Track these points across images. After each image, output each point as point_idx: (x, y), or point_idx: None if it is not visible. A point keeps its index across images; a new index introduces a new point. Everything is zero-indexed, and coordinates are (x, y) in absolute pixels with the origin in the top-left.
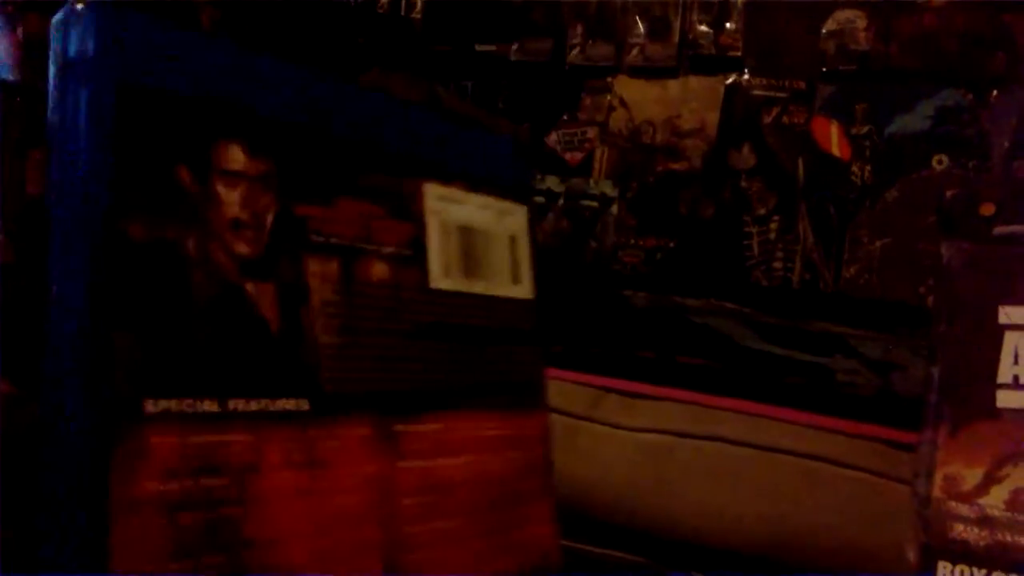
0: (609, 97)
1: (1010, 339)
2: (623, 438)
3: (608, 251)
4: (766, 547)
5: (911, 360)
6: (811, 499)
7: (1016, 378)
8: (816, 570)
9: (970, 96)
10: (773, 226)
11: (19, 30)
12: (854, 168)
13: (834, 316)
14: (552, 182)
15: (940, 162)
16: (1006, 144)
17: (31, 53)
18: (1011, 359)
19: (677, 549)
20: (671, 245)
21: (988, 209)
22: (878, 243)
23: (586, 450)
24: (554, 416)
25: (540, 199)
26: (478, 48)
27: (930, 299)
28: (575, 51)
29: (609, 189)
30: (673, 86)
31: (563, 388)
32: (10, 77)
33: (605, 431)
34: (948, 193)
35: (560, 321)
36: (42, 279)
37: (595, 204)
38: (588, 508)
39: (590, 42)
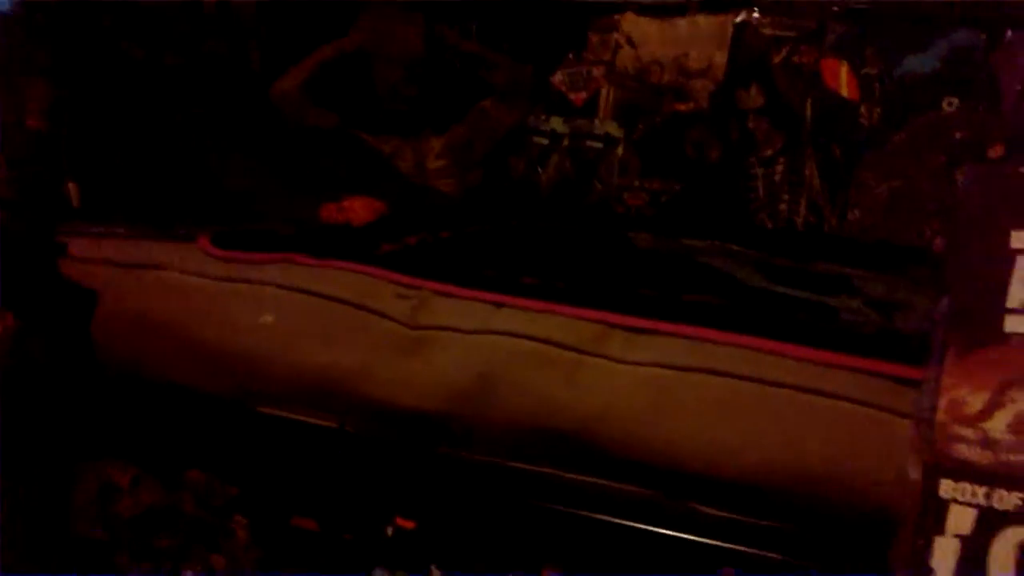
0: (616, 35)
1: (1021, 263)
2: (626, 372)
3: (613, 193)
4: (768, 479)
5: (914, 299)
6: (813, 432)
7: None
8: (818, 501)
9: (983, 36)
10: (779, 168)
11: None
12: (862, 110)
13: (838, 257)
14: (556, 123)
15: (950, 104)
16: (1017, 87)
17: None
18: (1022, 284)
19: (679, 481)
20: (676, 188)
21: (997, 151)
22: (884, 186)
23: (590, 384)
24: (558, 350)
25: (544, 140)
26: None
27: (935, 241)
28: None
29: (614, 130)
30: (681, 24)
31: (567, 323)
32: (6, 8)
33: (609, 365)
34: (957, 135)
35: (564, 258)
36: (41, 214)
37: (599, 145)
38: (591, 441)
39: None
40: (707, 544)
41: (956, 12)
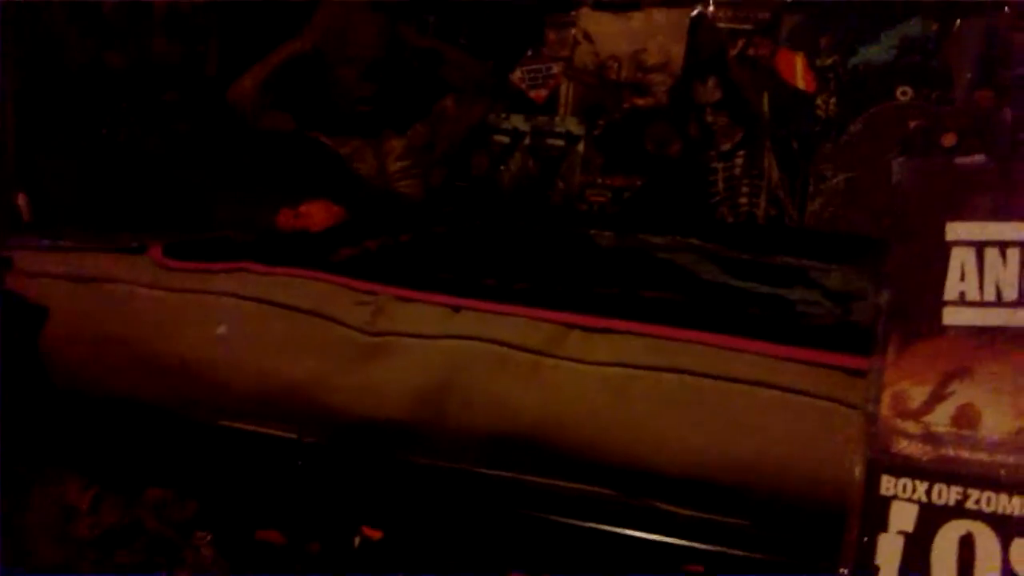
0: (573, 31)
1: (957, 255)
2: (585, 372)
3: (575, 191)
4: (727, 476)
5: (871, 290)
6: (770, 427)
7: (962, 294)
8: (777, 497)
9: (935, 26)
10: (739, 161)
11: None
12: (819, 101)
13: (797, 250)
14: (517, 120)
15: (904, 93)
16: (968, 75)
17: None
18: (958, 275)
19: (641, 480)
20: (638, 184)
21: (950, 140)
22: (842, 176)
23: (549, 385)
24: (517, 352)
25: (505, 138)
26: None
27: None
28: None
29: (575, 127)
30: (638, 18)
31: (525, 324)
32: None
33: (567, 366)
34: (911, 124)
35: (526, 258)
36: None
37: (561, 143)
38: (551, 442)
39: None
40: (671, 543)
41: (908, 2)
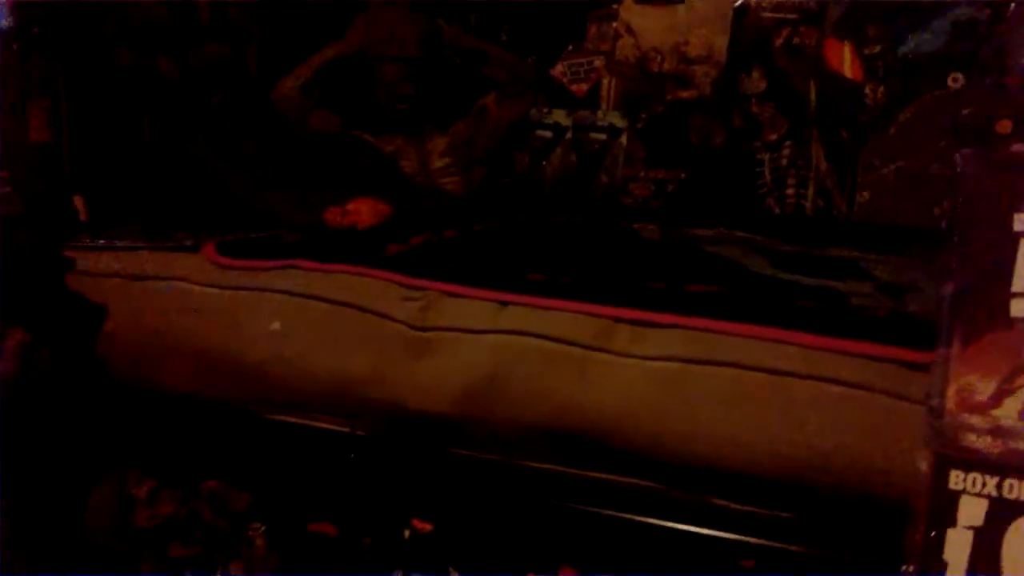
0: (615, 24)
1: None
2: (634, 366)
3: (618, 184)
4: (778, 470)
5: (925, 282)
6: (823, 421)
7: None
8: (830, 491)
9: (987, 10)
10: (785, 152)
11: None
12: (867, 90)
13: (847, 241)
14: (559, 115)
15: (956, 80)
16: (1023, 60)
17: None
18: None
19: (691, 474)
20: (682, 176)
21: (1005, 127)
22: (892, 166)
23: (597, 380)
24: (565, 347)
25: (547, 133)
26: None
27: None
28: None
29: (617, 120)
30: (680, 11)
31: (573, 319)
32: (4, 23)
33: (616, 360)
34: (964, 112)
35: (570, 253)
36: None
37: (603, 136)
38: (601, 437)
39: None
40: (723, 538)
41: None
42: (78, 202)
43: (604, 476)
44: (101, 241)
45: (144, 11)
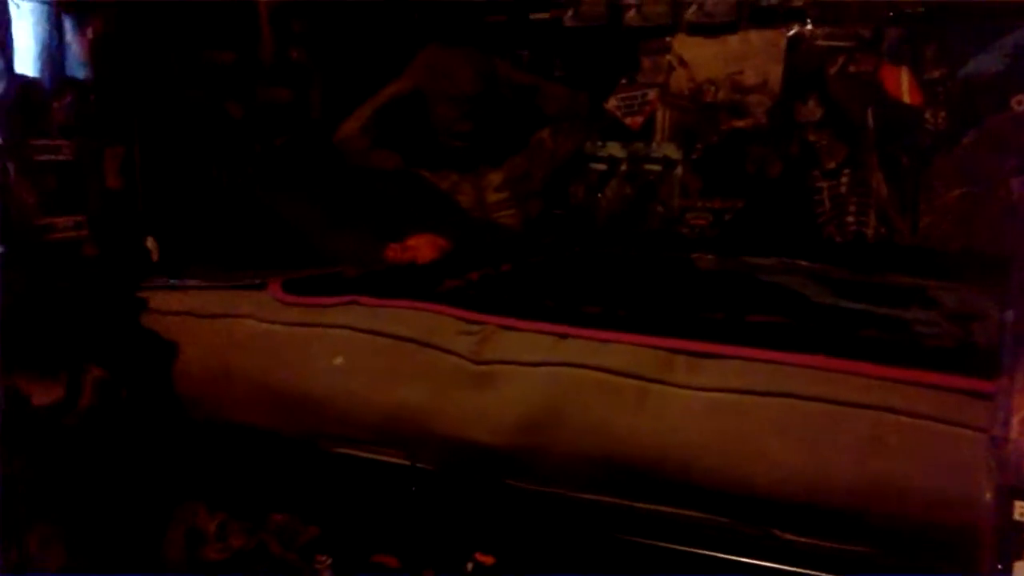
0: (668, 57)
1: None
2: (692, 398)
3: (674, 214)
4: (843, 502)
5: (992, 310)
6: (886, 452)
7: None
8: (897, 523)
9: None
10: (844, 179)
11: (89, 30)
12: (927, 115)
13: (911, 268)
14: (614, 148)
15: (1019, 103)
16: None
17: (102, 51)
18: None
19: (753, 507)
20: (739, 206)
21: None
22: (956, 192)
23: (657, 412)
24: (623, 379)
25: (602, 166)
26: (532, 16)
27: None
28: (631, 12)
29: (672, 152)
30: (733, 41)
31: (630, 351)
32: (83, 75)
33: (674, 392)
34: None
35: (627, 285)
36: (123, 271)
37: (658, 168)
38: (662, 469)
39: (647, 1)
40: (787, 571)
41: (1018, 8)
42: (151, 244)
43: (664, 508)
44: (173, 281)
45: (212, 57)
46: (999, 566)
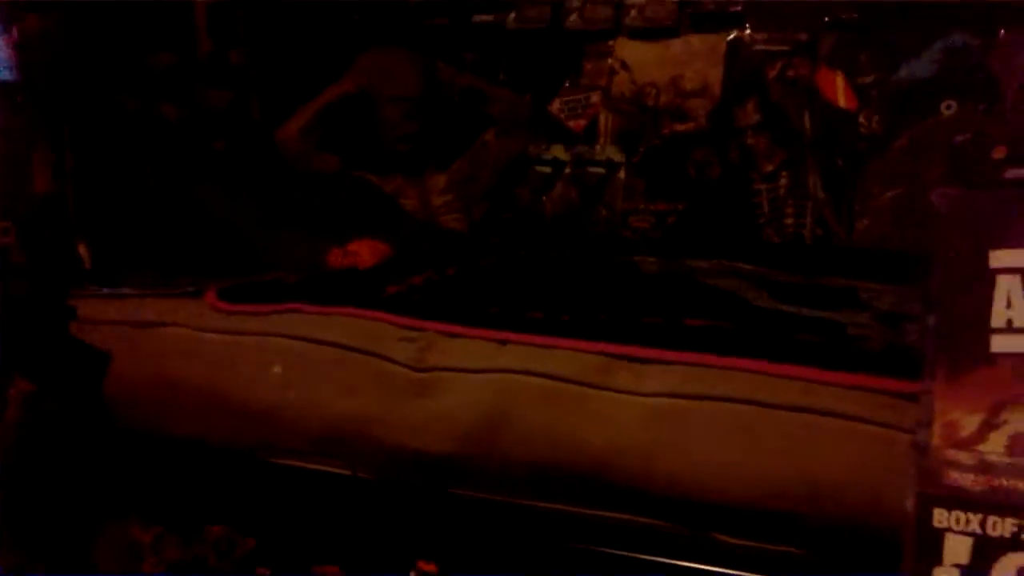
0: (610, 60)
1: (1002, 283)
2: (633, 403)
3: (617, 217)
4: (781, 504)
5: (921, 312)
6: (824, 455)
7: (1010, 322)
8: (832, 525)
9: (978, 37)
10: (782, 182)
11: (15, 30)
12: (861, 118)
13: (847, 269)
14: (558, 151)
15: (949, 107)
16: (1016, 85)
17: (28, 52)
18: (1004, 303)
19: (691, 510)
20: (680, 208)
21: (1000, 152)
22: (889, 194)
23: (598, 417)
24: (564, 385)
25: (546, 169)
26: (475, 19)
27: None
28: (573, 15)
29: (615, 154)
30: (675, 45)
31: (572, 357)
32: (9, 76)
33: (615, 397)
34: (958, 138)
35: (570, 289)
36: (53, 278)
37: (602, 171)
38: (603, 475)
39: (588, 5)
40: (725, 573)
41: (948, 15)
42: (82, 250)
43: (607, 514)
44: (105, 289)
45: (147, 58)
46: (919, 572)
